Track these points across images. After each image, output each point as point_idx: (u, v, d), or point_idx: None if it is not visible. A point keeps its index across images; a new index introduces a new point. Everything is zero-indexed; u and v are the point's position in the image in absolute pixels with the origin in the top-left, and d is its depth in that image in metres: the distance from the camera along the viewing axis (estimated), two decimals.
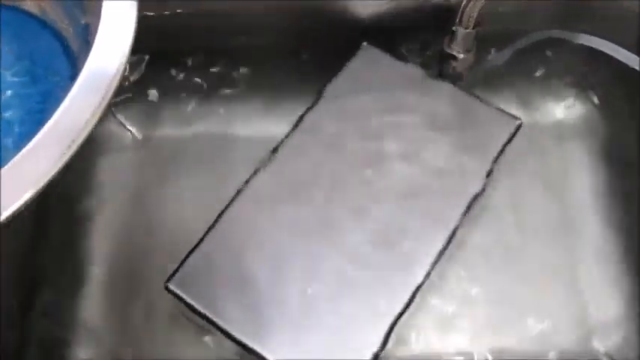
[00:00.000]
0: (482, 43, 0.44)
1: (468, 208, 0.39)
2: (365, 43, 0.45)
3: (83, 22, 0.35)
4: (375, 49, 0.45)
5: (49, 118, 0.26)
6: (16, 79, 0.38)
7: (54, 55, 0.39)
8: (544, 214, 0.46)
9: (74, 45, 0.38)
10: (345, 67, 0.44)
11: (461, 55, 0.44)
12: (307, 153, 0.41)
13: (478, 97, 0.43)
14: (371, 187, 0.40)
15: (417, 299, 0.37)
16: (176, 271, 0.37)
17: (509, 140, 0.42)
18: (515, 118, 0.43)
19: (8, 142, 0.35)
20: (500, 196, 0.45)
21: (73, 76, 0.32)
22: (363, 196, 0.39)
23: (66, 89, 0.27)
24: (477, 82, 0.47)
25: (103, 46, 0.28)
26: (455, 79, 0.45)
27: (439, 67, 0.46)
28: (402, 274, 0.37)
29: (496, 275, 0.43)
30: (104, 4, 0.29)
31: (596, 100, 0.50)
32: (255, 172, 0.40)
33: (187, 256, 0.37)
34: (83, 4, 0.34)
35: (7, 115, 0.36)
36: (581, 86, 0.51)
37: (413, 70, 0.44)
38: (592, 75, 0.49)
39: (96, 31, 0.29)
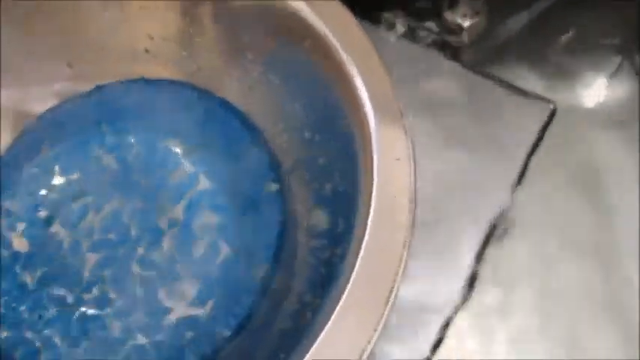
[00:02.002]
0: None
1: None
2: None
3: None
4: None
5: None
6: None
7: None
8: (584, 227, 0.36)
9: None
10: None
11: (467, 22, 0.37)
12: None
13: (495, 79, 0.37)
14: None
15: None
16: None
17: (542, 132, 0.36)
18: (548, 101, 0.36)
19: None
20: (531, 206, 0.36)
21: None
22: None
23: None
24: (488, 56, 0.38)
25: None
26: (459, 55, 0.38)
27: (437, 40, 0.38)
28: None
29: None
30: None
31: None
32: None
33: None
34: None
35: None
36: (628, 52, 0.38)
37: (403, 46, 0.36)
38: None
39: None
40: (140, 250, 0.37)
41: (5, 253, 0.38)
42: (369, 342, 0.23)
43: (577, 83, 0.39)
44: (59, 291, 0.36)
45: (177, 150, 0.40)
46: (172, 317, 0.35)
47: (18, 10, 0.37)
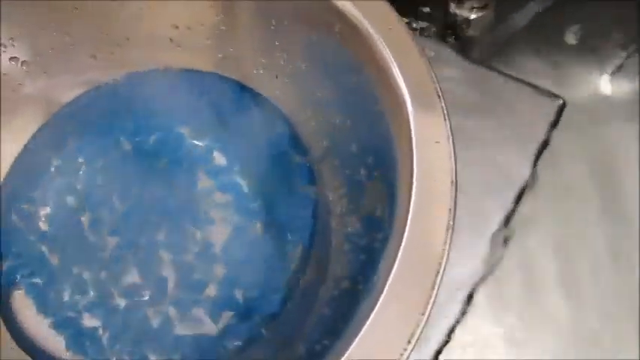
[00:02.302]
0: None
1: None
2: None
3: None
4: None
5: None
6: None
7: None
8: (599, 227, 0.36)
9: None
10: None
11: (473, 15, 0.36)
12: None
13: (503, 73, 0.36)
14: None
15: None
16: None
17: (552, 128, 0.35)
18: (556, 96, 0.35)
19: None
20: (543, 203, 0.36)
21: None
22: None
23: None
24: (495, 50, 0.38)
25: None
26: (465, 49, 0.37)
27: (441, 34, 0.38)
28: None
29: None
30: None
31: None
32: None
33: None
34: None
35: None
36: (633, 47, 0.39)
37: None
38: None
39: None
40: (170, 236, 0.37)
41: (33, 237, 0.38)
42: (417, 325, 0.23)
43: (583, 78, 0.38)
44: (87, 274, 0.37)
45: (203, 138, 0.40)
46: (207, 301, 0.35)
47: (44, 1, 0.36)
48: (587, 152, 0.37)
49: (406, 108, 0.28)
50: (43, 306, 0.36)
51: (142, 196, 0.39)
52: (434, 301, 0.23)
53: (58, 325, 0.35)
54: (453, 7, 0.35)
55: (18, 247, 0.37)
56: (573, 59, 0.39)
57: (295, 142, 0.38)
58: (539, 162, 0.36)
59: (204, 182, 0.39)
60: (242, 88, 0.40)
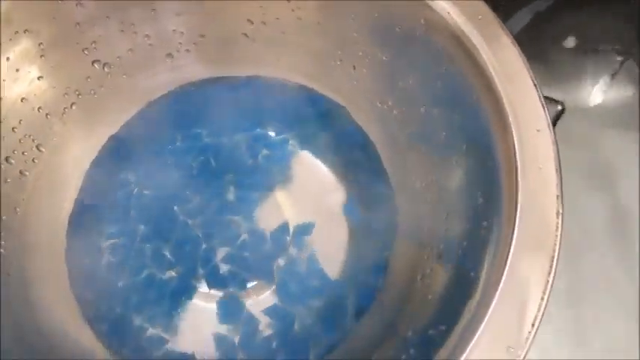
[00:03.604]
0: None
1: None
2: None
3: None
4: None
5: None
6: None
7: None
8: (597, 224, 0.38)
9: None
10: None
11: None
12: None
13: None
14: None
15: None
16: None
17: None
18: (555, 101, 0.33)
19: None
20: None
21: None
22: None
23: None
24: None
25: None
26: None
27: None
28: None
29: None
30: None
31: None
32: None
33: None
34: None
35: None
36: (629, 54, 0.39)
37: None
38: None
39: None
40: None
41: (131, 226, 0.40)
42: (539, 310, 0.24)
43: (580, 84, 0.39)
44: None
45: (287, 139, 0.42)
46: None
47: (124, 2, 0.37)
48: (584, 157, 0.38)
49: (501, 97, 0.28)
50: None
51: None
52: (552, 285, 0.25)
53: None
54: None
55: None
56: (567, 66, 0.39)
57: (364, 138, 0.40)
58: None
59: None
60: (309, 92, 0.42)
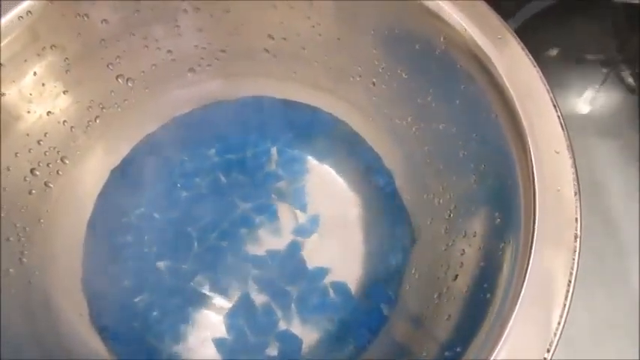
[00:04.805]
0: None
1: None
2: None
3: None
4: None
5: None
6: None
7: None
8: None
9: None
10: None
11: None
12: None
13: None
14: None
15: None
16: None
17: None
18: None
19: None
20: None
21: None
22: None
23: None
24: None
25: None
26: None
27: None
28: None
29: None
30: None
31: (631, 81, 0.39)
32: None
33: None
34: None
35: None
36: (613, 64, 0.39)
37: None
38: (628, 49, 0.39)
39: None
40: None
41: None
42: (554, 335, 0.24)
43: (566, 94, 0.39)
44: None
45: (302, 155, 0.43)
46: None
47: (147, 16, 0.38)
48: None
49: (520, 118, 0.28)
50: None
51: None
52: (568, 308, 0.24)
53: None
54: None
55: None
56: (556, 76, 0.39)
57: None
58: None
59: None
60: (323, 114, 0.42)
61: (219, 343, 0.37)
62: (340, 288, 0.38)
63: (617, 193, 0.38)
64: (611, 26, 0.37)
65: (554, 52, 0.39)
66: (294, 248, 0.39)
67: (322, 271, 0.39)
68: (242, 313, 0.38)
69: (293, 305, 0.38)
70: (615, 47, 0.39)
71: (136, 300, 0.38)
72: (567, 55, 0.39)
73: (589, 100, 0.39)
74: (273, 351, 0.37)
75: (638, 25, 0.33)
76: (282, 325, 0.38)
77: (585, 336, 0.36)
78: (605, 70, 0.39)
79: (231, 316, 0.38)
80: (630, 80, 0.39)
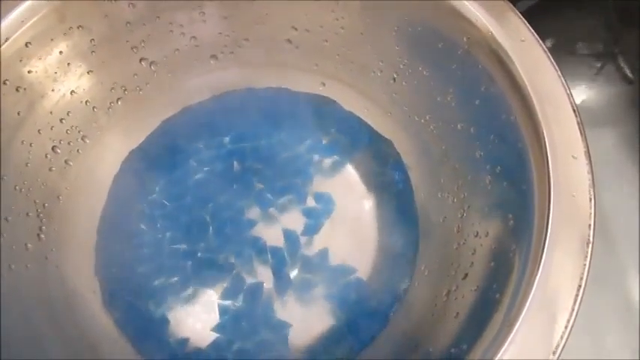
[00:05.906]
0: None
1: None
2: None
3: None
4: None
5: None
6: None
7: None
8: None
9: None
10: None
11: None
12: None
13: None
14: None
15: None
16: None
17: None
18: None
19: None
20: None
21: None
22: None
23: None
24: None
25: None
26: None
27: None
28: None
29: None
30: None
31: (629, 73, 0.39)
32: None
33: None
34: None
35: None
36: (609, 56, 0.38)
37: None
38: (624, 41, 0.38)
39: None
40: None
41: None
42: (561, 337, 0.24)
43: None
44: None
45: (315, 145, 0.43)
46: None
47: (172, 2, 0.38)
48: None
49: (540, 122, 0.28)
50: None
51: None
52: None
53: None
54: None
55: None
56: None
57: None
58: None
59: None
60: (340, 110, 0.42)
61: (218, 329, 0.38)
62: (351, 280, 0.38)
63: (608, 188, 0.38)
64: (605, 18, 0.37)
65: (548, 43, 0.38)
66: (307, 238, 0.40)
67: (344, 269, 0.39)
68: (249, 298, 0.39)
69: (307, 293, 0.39)
70: (610, 39, 0.38)
71: (148, 282, 0.39)
72: (562, 46, 0.39)
73: (583, 92, 0.39)
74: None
75: (635, 16, 0.32)
76: (297, 314, 0.38)
77: (586, 336, 0.36)
78: (598, 64, 0.39)
79: (236, 300, 0.39)
80: (627, 71, 0.38)
